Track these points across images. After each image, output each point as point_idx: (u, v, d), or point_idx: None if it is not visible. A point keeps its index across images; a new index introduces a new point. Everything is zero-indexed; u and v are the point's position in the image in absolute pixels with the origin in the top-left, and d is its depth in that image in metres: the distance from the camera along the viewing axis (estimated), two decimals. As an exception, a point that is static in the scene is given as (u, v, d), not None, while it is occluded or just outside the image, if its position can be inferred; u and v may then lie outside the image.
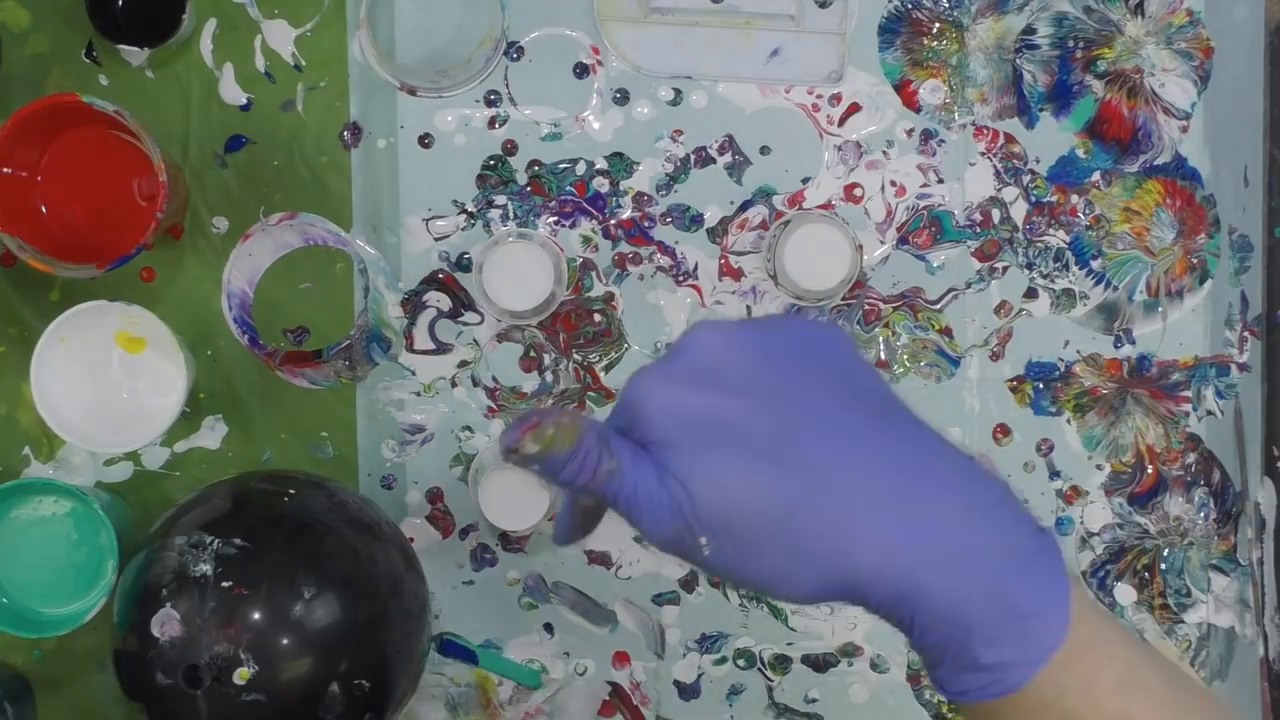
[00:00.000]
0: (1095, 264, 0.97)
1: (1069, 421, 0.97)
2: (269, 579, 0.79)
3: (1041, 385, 0.97)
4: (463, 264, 0.94)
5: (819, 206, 0.95)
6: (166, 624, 0.78)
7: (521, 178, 0.94)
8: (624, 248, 0.95)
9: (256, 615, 0.78)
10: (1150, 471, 0.98)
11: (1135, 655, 0.50)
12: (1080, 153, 0.96)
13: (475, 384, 0.95)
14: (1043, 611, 0.48)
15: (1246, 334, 0.97)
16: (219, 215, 0.94)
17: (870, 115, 0.95)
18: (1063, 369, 0.97)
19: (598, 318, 0.95)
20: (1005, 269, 0.96)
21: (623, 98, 0.95)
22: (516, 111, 0.94)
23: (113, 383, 0.92)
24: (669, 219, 0.95)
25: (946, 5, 0.96)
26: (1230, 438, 0.98)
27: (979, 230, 0.96)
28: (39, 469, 0.93)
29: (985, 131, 0.96)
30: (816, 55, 0.95)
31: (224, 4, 0.93)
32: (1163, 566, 0.98)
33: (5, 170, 0.87)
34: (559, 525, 0.57)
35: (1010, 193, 0.96)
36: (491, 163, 0.94)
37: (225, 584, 0.79)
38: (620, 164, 0.95)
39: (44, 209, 0.91)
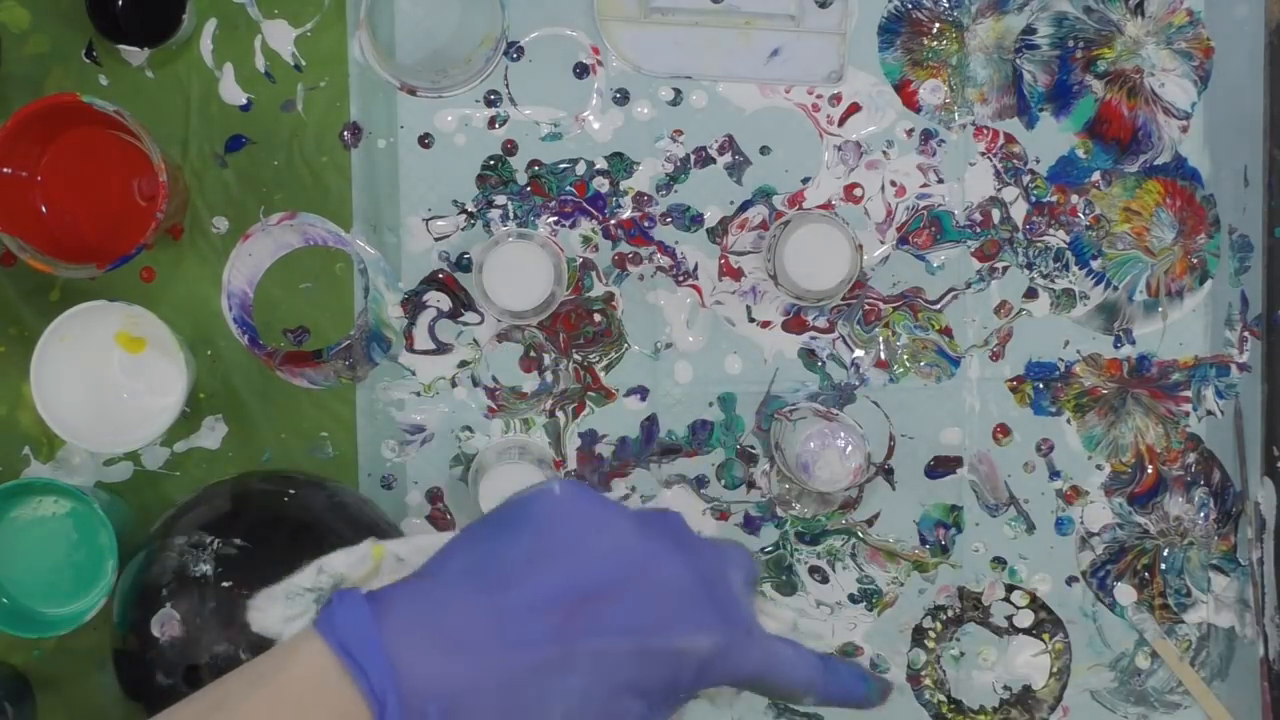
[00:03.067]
0: (1095, 264, 0.97)
1: (1069, 421, 0.97)
2: (269, 579, 0.79)
3: (1041, 385, 0.97)
4: (463, 264, 0.94)
5: (819, 206, 0.95)
6: (166, 624, 0.78)
7: (521, 178, 0.94)
8: (624, 248, 0.95)
9: (257, 615, 0.78)
10: (1150, 471, 0.98)
11: None
12: (1080, 153, 0.96)
13: (475, 384, 0.95)
14: None
15: (1246, 334, 0.97)
16: (219, 215, 0.94)
17: (870, 115, 0.95)
18: (1063, 369, 0.97)
19: (598, 318, 0.95)
20: (1005, 269, 0.96)
21: (623, 98, 0.95)
22: (516, 111, 0.94)
23: (113, 383, 0.92)
24: (669, 219, 0.95)
25: (946, 5, 0.96)
26: (1230, 438, 0.98)
27: (979, 230, 0.96)
28: (39, 469, 0.93)
29: (985, 131, 0.96)
30: (816, 55, 0.95)
31: (224, 4, 0.93)
32: (1163, 566, 0.98)
33: (5, 170, 0.87)
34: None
35: (1010, 193, 0.96)
36: (491, 163, 0.94)
37: (225, 584, 0.78)
38: (620, 164, 0.95)
39: (44, 209, 0.90)
